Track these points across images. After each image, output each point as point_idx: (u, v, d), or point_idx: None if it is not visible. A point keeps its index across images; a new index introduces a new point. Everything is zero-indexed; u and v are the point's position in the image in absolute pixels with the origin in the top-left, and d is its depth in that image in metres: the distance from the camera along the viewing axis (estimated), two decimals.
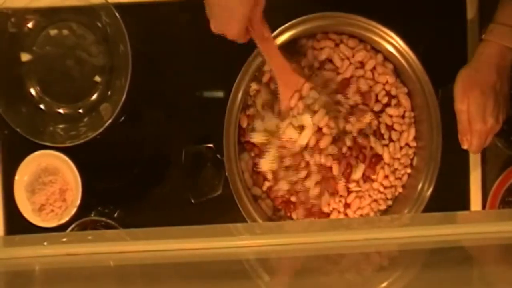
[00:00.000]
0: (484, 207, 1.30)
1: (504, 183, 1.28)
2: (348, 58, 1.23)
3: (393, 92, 1.23)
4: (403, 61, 1.19)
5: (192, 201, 1.23)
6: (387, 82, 1.22)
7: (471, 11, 1.28)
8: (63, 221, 1.24)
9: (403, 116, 1.23)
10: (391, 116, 1.22)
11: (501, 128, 1.18)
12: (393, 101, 1.23)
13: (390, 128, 1.23)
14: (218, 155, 1.19)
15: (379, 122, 1.22)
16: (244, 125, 1.21)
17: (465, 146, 1.17)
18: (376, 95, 1.22)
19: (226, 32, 1.04)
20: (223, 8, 1.02)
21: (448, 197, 1.27)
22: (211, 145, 1.20)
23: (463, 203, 1.30)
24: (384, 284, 0.77)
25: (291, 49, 1.22)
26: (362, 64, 1.23)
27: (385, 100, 1.22)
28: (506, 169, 1.29)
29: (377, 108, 1.22)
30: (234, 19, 1.02)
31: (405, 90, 1.23)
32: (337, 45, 1.23)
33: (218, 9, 1.02)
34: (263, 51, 1.13)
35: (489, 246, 0.83)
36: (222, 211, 1.24)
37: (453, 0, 1.29)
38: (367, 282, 0.77)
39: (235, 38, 1.05)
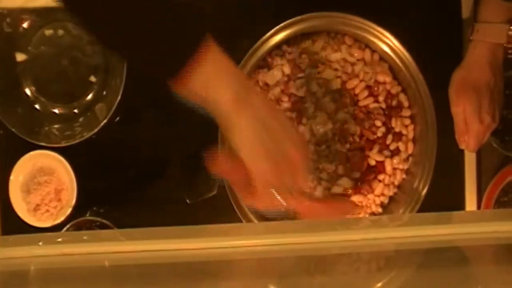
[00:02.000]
0: (479, 207, 1.30)
1: (499, 183, 1.28)
2: (344, 59, 1.23)
3: (394, 91, 1.23)
4: (398, 61, 1.19)
5: (188, 201, 1.23)
6: (385, 81, 1.22)
7: (466, 11, 1.28)
8: (58, 221, 1.23)
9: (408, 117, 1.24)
10: (403, 117, 1.23)
11: (496, 128, 1.18)
12: (394, 102, 1.23)
13: (398, 137, 1.23)
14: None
15: (388, 130, 1.23)
16: None
17: (462, 147, 1.18)
18: (377, 97, 1.23)
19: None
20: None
21: (443, 197, 1.27)
22: (206, 145, 1.20)
23: (458, 203, 1.30)
24: (380, 284, 0.77)
25: (284, 50, 1.22)
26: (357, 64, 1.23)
27: (389, 101, 1.23)
28: (501, 169, 1.29)
29: (387, 110, 1.23)
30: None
31: (400, 88, 1.24)
32: (334, 45, 1.23)
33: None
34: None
35: (484, 246, 0.83)
36: (218, 211, 1.24)
37: (448, 0, 1.29)
38: (362, 282, 0.77)
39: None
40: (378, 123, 1.22)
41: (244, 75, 0.94)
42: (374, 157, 1.22)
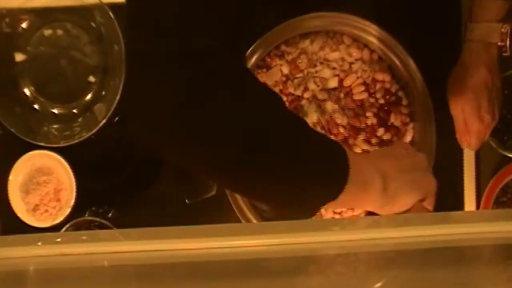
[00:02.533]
0: (478, 207, 1.30)
1: (498, 183, 1.28)
2: (342, 59, 1.23)
3: (393, 90, 1.23)
4: (396, 60, 1.19)
5: (187, 201, 1.23)
6: (384, 80, 1.22)
7: (466, 10, 1.28)
8: (57, 221, 1.23)
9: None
10: (403, 114, 1.22)
11: (495, 127, 1.18)
12: (393, 98, 1.23)
13: (395, 130, 1.23)
14: None
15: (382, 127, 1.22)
16: None
17: (464, 146, 1.19)
18: (375, 94, 1.22)
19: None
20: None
21: (442, 197, 1.27)
22: None
23: (457, 203, 1.30)
24: (378, 285, 0.77)
25: (282, 50, 1.22)
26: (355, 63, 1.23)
27: (388, 97, 1.22)
28: (500, 169, 1.29)
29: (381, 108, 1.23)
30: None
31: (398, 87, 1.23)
32: (332, 45, 1.23)
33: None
34: None
35: (483, 247, 0.83)
36: (216, 211, 1.24)
37: (448, 0, 1.29)
38: (361, 282, 0.77)
39: None
40: (369, 113, 1.21)
41: (372, 158, 0.96)
42: (360, 145, 1.21)
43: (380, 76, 1.22)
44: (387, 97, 1.22)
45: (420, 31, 1.27)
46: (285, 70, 1.21)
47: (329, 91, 1.21)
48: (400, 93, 1.23)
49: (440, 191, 1.23)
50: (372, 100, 1.22)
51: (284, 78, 1.21)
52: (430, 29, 1.28)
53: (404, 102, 1.23)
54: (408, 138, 1.23)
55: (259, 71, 1.21)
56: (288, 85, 1.21)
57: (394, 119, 1.22)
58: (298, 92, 1.21)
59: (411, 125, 1.23)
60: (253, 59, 1.17)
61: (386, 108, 1.22)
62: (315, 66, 1.22)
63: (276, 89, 1.21)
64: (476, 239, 0.81)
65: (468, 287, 0.76)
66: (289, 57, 1.22)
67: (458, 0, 1.28)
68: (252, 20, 1.15)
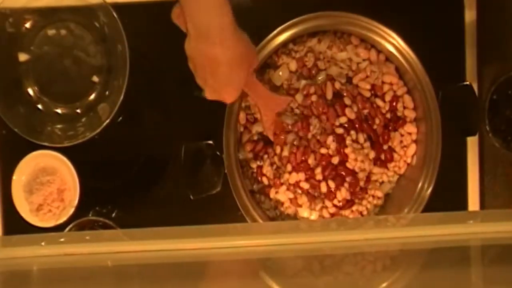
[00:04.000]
0: (482, 207, 1.30)
1: None
2: (349, 59, 1.23)
3: (399, 93, 1.23)
4: (403, 61, 1.19)
5: (191, 197, 1.22)
6: (391, 82, 1.22)
7: (470, 13, 1.28)
8: (61, 221, 1.23)
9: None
10: (406, 133, 1.23)
11: (499, 128, 1.18)
12: (399, 108, 1.22)
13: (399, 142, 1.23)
14: (218, 152, 1.19)
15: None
16: (243, 121, 1.22)
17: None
18: (384, 95, 1.22)
19: (224, 99, 1.05)
20: (220, 81, 1.01)
21: (446, 197, 1.27)
22: (210, 142, 1.20)
23: (461, 203, 1.30)
24: (384, 284, 0.77)
25: (290, 49, 1.22)
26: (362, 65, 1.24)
27: (394, 104, 1.22)
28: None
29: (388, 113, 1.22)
30: (232, 88, 1.03)
31: (406, 89, 1.23)
32: (340, 44, 1.24)
33: (213, 81, 1.01)
34: (246, 88, 1.12)
35: (488, 246, 0.83)
36: (221, 208, 1.24)
37: (452, 1, 1.29)
38: (367, 282, 0.77)
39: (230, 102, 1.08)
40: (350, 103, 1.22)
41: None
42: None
43: (387, 79, 1.22)
44: (393, 103, 1.22)
45: (425, 32, 1.27)
46: (293, 67, 1.21)
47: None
48: (406, 97, 1.22)
49: (444, 192, 1.23)
50: (380, 103, 1.22)
51: (292, 75, 1.22)
52: (435, 30, 1.28)
53: (411, 105, 1.22)
54: (412, 149, 1.23)
55: (267, 70, 1.22)
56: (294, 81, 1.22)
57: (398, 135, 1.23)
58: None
59: (416, 129, 1.23)
60: (261, 56, 1.16)
61: (390, 118, 1.22)
62: (320, 67, 1.22)
63: (285, 83, 1.22)
64: (480, 239, 0.81)
65: (472, 286, 0.76)
66: (297, 55, 1.22)
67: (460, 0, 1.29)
68: (259, 18, 1.16)
